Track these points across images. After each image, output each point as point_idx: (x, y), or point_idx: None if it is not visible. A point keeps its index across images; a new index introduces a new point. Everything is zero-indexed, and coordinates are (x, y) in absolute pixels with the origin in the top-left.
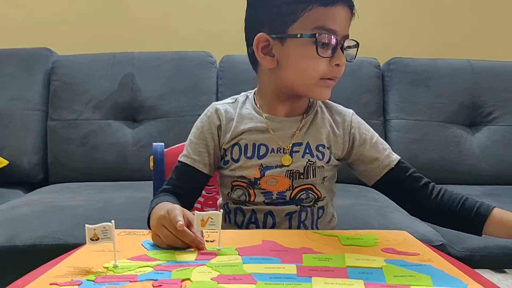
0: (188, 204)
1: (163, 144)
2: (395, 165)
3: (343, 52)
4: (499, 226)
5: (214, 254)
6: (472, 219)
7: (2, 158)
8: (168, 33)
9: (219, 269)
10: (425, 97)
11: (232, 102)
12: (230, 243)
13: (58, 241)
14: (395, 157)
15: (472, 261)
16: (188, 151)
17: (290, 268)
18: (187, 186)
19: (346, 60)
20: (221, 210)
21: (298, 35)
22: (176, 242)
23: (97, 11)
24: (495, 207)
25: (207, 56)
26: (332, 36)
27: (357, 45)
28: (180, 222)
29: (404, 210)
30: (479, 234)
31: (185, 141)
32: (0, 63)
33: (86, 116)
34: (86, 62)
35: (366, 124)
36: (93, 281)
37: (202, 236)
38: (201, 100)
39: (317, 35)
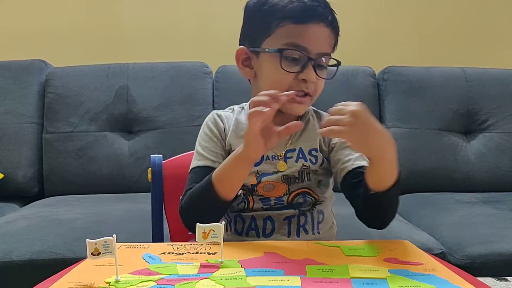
0: None
1: (161, 156)
2: (353, 168)
3: (315, 69)
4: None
5: (216, 267)
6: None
7: None
8: (162, 43)
9: (222, 282)
10: (420, 106)
11: (230, 111)
12: (232, 255)
13: (55, 256)
14: (362, 163)
15: (472, 268)
16: (203, 155)
17: (295, 280)
18: None
19: (325, 78)
20: (223, 222)
21: (266, 50)
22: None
23: (91, 22)
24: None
25: (202, 66)
26: (301, 53)
27: (338, 64)
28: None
29: (403, 219)
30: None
31: (182, 152)
32: None
33: (82, 128)
34: (81, 74)
35: None
36: None
37: None
38: (197, 110)
39: (283, 50)
